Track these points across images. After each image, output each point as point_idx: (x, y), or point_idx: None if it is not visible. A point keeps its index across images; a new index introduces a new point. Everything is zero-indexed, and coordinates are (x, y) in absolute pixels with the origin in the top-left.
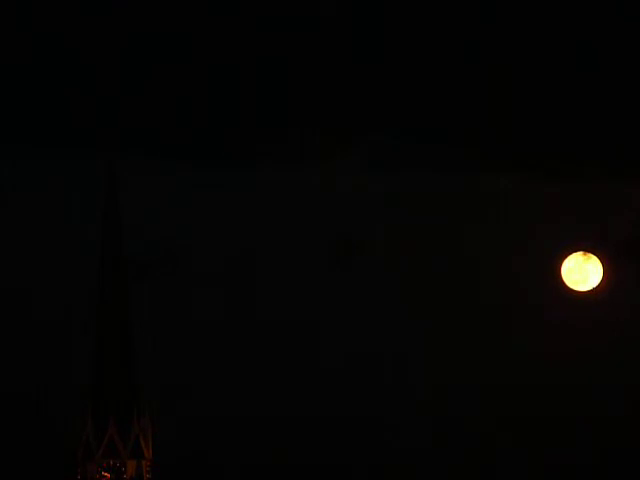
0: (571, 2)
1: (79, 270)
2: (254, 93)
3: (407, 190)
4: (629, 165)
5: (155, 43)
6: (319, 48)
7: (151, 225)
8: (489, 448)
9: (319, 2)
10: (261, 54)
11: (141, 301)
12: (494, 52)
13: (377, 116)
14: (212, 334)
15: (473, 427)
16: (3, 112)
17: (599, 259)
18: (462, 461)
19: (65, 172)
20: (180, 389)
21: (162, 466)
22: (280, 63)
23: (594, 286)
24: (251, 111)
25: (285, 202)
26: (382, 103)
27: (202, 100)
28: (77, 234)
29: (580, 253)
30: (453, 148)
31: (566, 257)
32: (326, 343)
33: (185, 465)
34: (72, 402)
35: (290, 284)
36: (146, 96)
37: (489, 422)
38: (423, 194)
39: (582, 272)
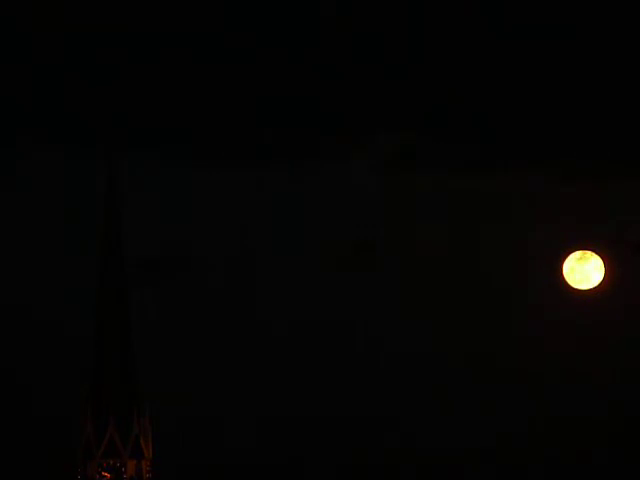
0: (583, 6)
1: (79, 270)
2: (254, 93)
3: (408, 190)
4: (630, 165)
5: (156, 43)
6: (319, 48)
7: (151, 225)
8: (491, 449)
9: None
10: (261, 53)
11: (141, 301)
12: (494, 52)
13: (378, 117)
14: (212, 334)
15: (474, 428)
16: (3, 112)
17: (601, 258)
18: (463, 461)
19: (65, 172)
20: (180, 389)
21: (162, 466)
22: (280, 63)
23: (596, 285)
24: (251, 111)
25: (286, 202)
26: (382, 104)
27: (202, 100)
28: (77, 234)
29: (582, 252)
30: (454, 148)
31: (567, 256)
32: (326, 343)
33: (185, 465)
34: (72, 402)
35: (290, 284)
36: (146, 96)
37: (490, 422)
38: (423, 194)
39: (584, 271)
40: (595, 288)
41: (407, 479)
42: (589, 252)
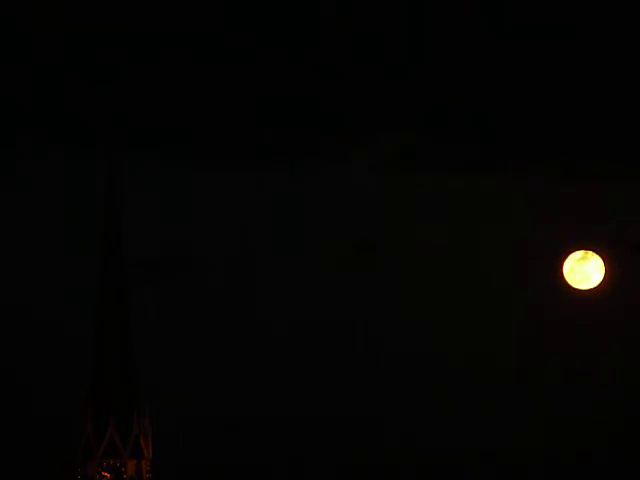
0: (583, 6)
1: (79, 270)
2: (254, 93)
3: (408, 190)
4: (630, 165)
5: (156, 43)
6: (319, 48)
7: (151, 225)
8: (491, 449)
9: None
10: (261, 53)
11: (141, 301)
12: (495, 52)
13: (378, 117)
14: (212, 334)
15: (474, 428)
16: (3, 112)
17: (601, 258)
18: (463, 461)
19: (65, 172)
20: (180, 389)
21: (162, 466)
22: (280, 63)
23: (596, 285)
24: (251, 111)
25: (286, 202)
26: (382, 104)
27: (202, 100)
28: (77, 234)
29: (582, 252)
30: (454, 148)
31: (567, 256)
32: (326, 343)
33: (185, 465)
34: (72, 402)
35: (290, 284)
36: (146, 96)
37: (490, 422)
38: (423, 194)
39: (584, 271)
40: (595, 288)
41: (407, 479)
42: (589, 252)
